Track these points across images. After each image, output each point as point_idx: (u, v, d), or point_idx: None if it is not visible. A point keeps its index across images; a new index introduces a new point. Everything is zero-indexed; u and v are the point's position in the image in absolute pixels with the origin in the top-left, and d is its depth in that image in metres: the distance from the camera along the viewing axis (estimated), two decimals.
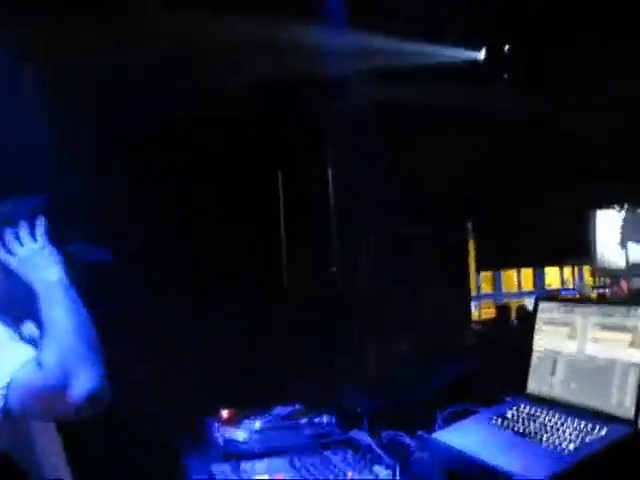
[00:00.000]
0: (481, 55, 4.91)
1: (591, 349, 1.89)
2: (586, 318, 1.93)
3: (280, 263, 5.11)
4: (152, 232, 4.08)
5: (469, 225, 9.60)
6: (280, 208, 5.21)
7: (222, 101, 4.45)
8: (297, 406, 2.80)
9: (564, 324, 2.00)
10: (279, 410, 2.75)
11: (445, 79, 5.04)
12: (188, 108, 4.37)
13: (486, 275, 14.91)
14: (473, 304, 12.18)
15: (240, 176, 4.77)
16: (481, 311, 13.16)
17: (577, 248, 11.56)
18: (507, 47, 4.78)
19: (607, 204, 10.63)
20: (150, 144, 4.39)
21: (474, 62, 4.94)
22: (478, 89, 5.31)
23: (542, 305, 2.12)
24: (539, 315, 2.12)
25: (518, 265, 14.20)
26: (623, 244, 11.03)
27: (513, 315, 11.00)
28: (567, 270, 15.90)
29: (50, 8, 3.93)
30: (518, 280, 15.92)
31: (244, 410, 2.76)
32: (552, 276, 15.95)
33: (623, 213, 10.66)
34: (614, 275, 12.65)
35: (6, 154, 3.39)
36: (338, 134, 5.13)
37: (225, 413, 2.76)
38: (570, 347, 1.96)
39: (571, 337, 1.97)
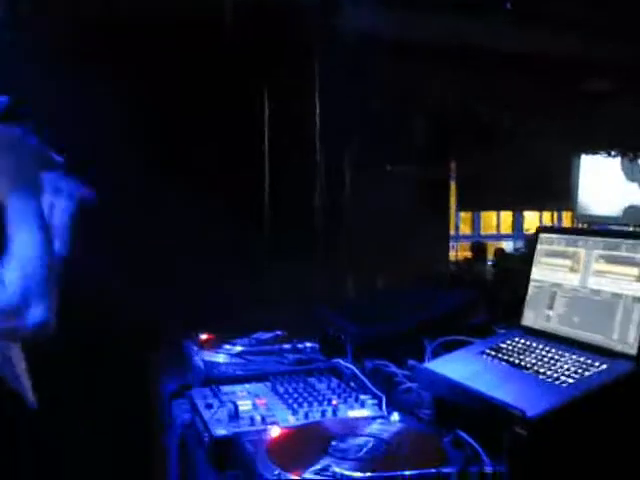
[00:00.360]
0: None
1: (594, 282, 1.81)
2: (590, 250, 1.85)
3: (263, 191, 4.99)
4: (137, 154, 3.92)
5: (452, 165, 9.51)
6: (265, 130, 5.06)
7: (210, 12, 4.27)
8: (279, 332, 2.74)
9: (566, 256, 1.92)
10: (260, 335, 2.69)
11: (441, 8, 4.88)
12: (174, 20, 4.19)
13: (465, 216, 14.92)
14: (451, 244, 12.18)
15: (226, 93, 4.60)
16: (458, 252, 13.15)
17: (559, 193, 11.51)
18: None
19: (597, 148, 10.52)
20: (132, 58, 4.20)
21: None
22: (476, 19, 5.15)
23: (542, 235, 2.03)
24: (538, 246, 2.03)
25: (497, 207, 14.19)
26: (609, 191, 11.01)
27: (490, 256, 11.05)
28: (546, 215, 15.93)
29: None
30: (497, 222, 15.97)
31: (224, 334, 2.69)
32: (531, 220, 15.98)
33: (612, 159, 10.59)
34: (595, 222, 12.69)
35: None
36: (327, 58, 4.97)
37: (204, 336, 2.68)
38: (571, 280, 1.88)
39: (573, 270, 1.88)
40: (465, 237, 14.35)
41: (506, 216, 15.80)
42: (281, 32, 4.69)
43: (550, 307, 1.93)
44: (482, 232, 15.30)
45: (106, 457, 2.47)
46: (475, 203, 11.43)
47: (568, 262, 1.90)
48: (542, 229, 2.02)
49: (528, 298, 2.01)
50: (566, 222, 14.56)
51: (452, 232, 13.22)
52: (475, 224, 15.16)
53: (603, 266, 1.80)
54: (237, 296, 3.72)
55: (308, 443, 1.55)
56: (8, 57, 3.36)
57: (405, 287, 3.74)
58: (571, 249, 1.90)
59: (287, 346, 2.55)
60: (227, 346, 2.56)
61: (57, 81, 3.48)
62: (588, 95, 7.46)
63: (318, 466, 1.40)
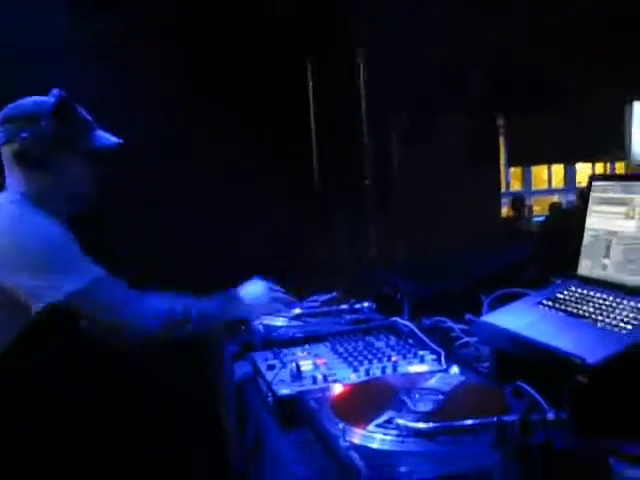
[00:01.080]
0: None
1: None
2: None
3: (311, 164, 5.01)
4: (182, 128, 3.99)
5: (500, 119, 9.38)
6: (310, 102, 5.07)
7: None
8: (335, 294, 2.77)
9: (621, 203, 1.90)
10: (317, 297, 2.72)
11: None
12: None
13: (515, 171, 14.72)
14: (502, 201, 12.05)
15: (269, 66, 4.62)
16: (509, 209, 13.00)
17: (611, 143, 11.26)
18: None
19: None
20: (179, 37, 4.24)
21: None
22: None
23: (596, 184, 2.01)
24: (593, 195, 2.01)
25: (547, 161, 13.95)
26: None
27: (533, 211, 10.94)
28: (599, 166, 15.62)
29: None
30: (548, 177, 15.73)
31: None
32: (583, 173, 15.69)
33: None
34: None
35: None
36: (373, 19, 4.94)
37: None
38: (627, 227, 1.87)
39: (629, 216, 1.87)
40: (516, 193, 14.16)
41: (558, 170, 15.55)
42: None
43: (606, 255, 1.92)
44: (533, 187, 15.10)
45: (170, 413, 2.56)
46: (525, 158, 11.31)
47: (623, 209, 1.89)
48: (595, 177, 2.00)
49: (583, 247, 2.00)
50: (625, 170, 14.26)
51: (503, 189, 13.09)
52: (526, 179, 14.96)
53: None
54: (293, 260, 3.77)
55: (370, 398, 1.59)
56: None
57: (458, 245, 3.73)
58: (626, 196, 1.89)
59: (344, 306, 2.58)
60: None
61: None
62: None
63: (382, 419, 1.43)
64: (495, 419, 1.31)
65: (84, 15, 3.85)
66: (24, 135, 2.00)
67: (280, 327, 2.41)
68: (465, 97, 6.23)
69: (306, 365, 1.94)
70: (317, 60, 5.00)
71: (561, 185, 15.46)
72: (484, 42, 5.66)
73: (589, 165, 15.61)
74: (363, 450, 1.35)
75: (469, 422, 1.35)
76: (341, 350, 2.11)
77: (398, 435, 1.37)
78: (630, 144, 11.10)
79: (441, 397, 1.54)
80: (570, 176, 15.44)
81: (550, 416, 1.33)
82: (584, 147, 10.62)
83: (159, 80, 3.83)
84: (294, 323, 2.47)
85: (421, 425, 1.37)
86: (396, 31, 4.77)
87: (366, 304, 2.56)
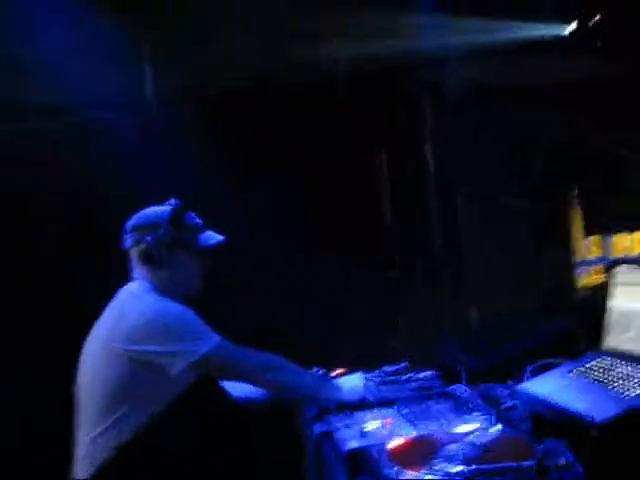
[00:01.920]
0: (572, 27, 5.07)
1: None
2: None
3: (385, 236, 5.44)
4: (264, 216, 4.48)
5: (575, 191, 9.60)
6: (383, 185, 5.52)
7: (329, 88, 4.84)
8: (403, 364, 3.14)
9: (638, 285, 2.25)
10: (387, 367, 3.10)
11: (537, 53, 5.22)
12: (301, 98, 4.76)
13: (595, 239, 14.74)
14: (582, 269, 12.12)
15: (347, 152, 5.12)
16: (590, 277, 12.98)
17: None
18: (597, 17, 4.92)
19: None
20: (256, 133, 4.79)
21: (565, 35, 5.10)
22: (572, 59, 5.44)
23: (619, 269, 2.37)
24: (618, 277, 2.37)
25: (629, 228, 13.97)
26: None
27: None
28: None
29: None
30: (631, 244, 15.66)
31: (355, 368, 3.13)
32: None
33: None
34: None
35: None
36: (436, 112, 5.41)
37: (338, 370, 3.13)
38: None
39: None
40: (597, 261, 14.12)
41: (639, 236, 15.48)
42: (391, 93, 5.16)
43: (628, 330, 2.26)
44: (615, 254, 15.06)
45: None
46: (600, 227, 11.43)
47: None
48: (618, 261, 2.36)
49: (610, 323, 2.35)
50: None
51: (582, 257, 13.11)
52: (605, 247, 14.93)
53: None
54: (369, 331, 4.17)
55: (423, 448, 1.96)
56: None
57: (515, 317, 4.05)
58: None
59: (410, 375, 2.95)
60: None
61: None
62: None
63: (430, 464, 1.81)
64: (514, 464, 1.68)
65: None
66: (148, 239, 2.50)
67: None
68: (533, 177, 6.58)
69: (374, 424, 2.32)
70: (390, 153, 5.45)
71: None
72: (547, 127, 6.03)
73: None
74: None
75: (497, 465, 1.72)
76: (405, 412, 2.48)
77: (440, 477, 1.74)
78: None
79: (480, 449, 1.90)
80: None
81: (561, 461, 1.68)
82: None
83: (250, 177, 4.35)
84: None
85: (458, 469, 1.74)
86: (454, 127, 5.21)
87: (429, 372, 2.92)
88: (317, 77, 4.87)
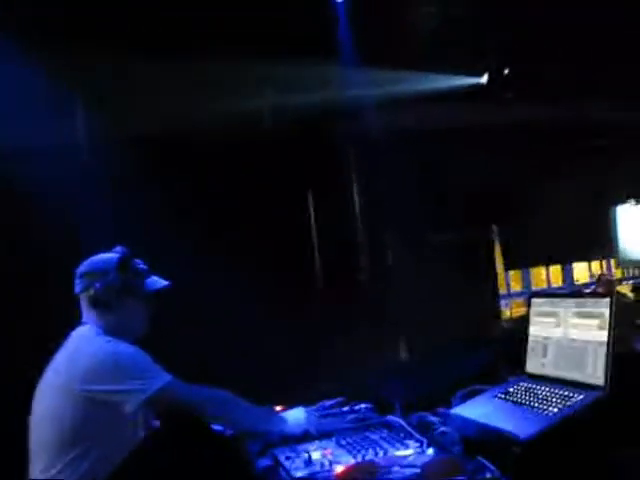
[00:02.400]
0: (484, 79, 5.46)
1: (572, 333, 2.37)
2: (567, 309, 2.41)
3: (314, 270, 5.64)
4: (199, 252, 4.61)
5: (494, 228, 10.00)
6: (311, 222, 5.73)
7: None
8: (339, 398, 3.30)
9: (551, 315, 2.48)
10: (324, 402, 3.26)
11: (453, 101, 5.57)
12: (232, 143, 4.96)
13: (515, 274, 15.27)
14: (504, 302, 12.55)
15: (276, 194, 5.32)
16: (512, 309, 13.47)
17: (602, 243, 11.88)
18: (507, 70, 5.31)
19: (624, 199, 10.99)
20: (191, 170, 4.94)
21: (478, 85, 5.47)
22: (485, 107, 5.82)
23: (534, 300, 2.60)
24: (532, 309, 2.60)
25: (545, 263, 14.54)
26: None
27: None
28: (595, 264, 16.15)
29: None
30: (547, 277, 16.26)
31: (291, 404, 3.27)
32: (580, 271, 16.23)
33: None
34: (637, 266, 13.07)
35: None
36: (361, 156, 5.69)
37: (278, 407, 3.26)
38: (556, 333, 2.44)
39: (557, 325, 2.45)
40: (517, 294, 14.62)
41: (555, 270, 16.09)
42: (318, 138, 5.40)
43: (544, 355, 2.48)
44: (533, 287, 15.60)
45: None
46: (520, 262, 11.88)
47: (553, 319, 2.46)
48: (533, 295, 2.59)
49: (528, 350, 2.57)
50: (615, 268, 14.83)
51: (503, 291, 13.61)
52: (525, 280, 15.48)
53: (576, 320, 2.36)
54: (300, 369, 4.33)
55: (365, 472, 2.11)
56: None
57: (442, 349, 4.26)
58: (554, 309, 2.47)
59: (346, 408, 3.11)
60: None
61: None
62: (602, 151, 8.05)
63: None
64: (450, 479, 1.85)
65: None
66: (97, 285, 2.61)
67: None
68: (452, 214, 6.91)
69: (316, 455, 2.46)
70: (318, 195, 5.67)
71: (559, 284, 15.93)
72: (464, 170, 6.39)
73: (587, 263, 16.17)
74: None
75: None
76: (344, 443, 2.63)
77: None
78: (617, 244, 11.76)
79: (417, 470, 2.07)
80: (567, 275, 15.97)
81: (488, 475, 1.86)
82: (576, 249, 11.21)
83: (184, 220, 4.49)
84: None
85: None
86: (377, 168, 5.49)
87: (364, 405, 3.09)
88: (246, 125, 5.08)
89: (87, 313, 2.68)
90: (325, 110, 5.24)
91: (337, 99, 5.22)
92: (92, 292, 2.62)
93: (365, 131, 5.61)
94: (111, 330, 2.63)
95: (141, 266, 2.76)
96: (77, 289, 2.68)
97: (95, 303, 2.63)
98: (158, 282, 2.77)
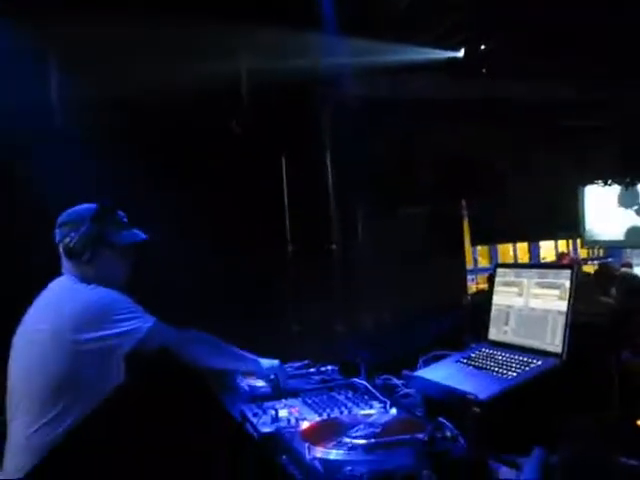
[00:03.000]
0: (461, 53, 5.53)
1: (533, 303, 2.47)
2: (529, 279, 2.51)
3: (285, 237, 5.71)
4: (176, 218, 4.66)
5: (463, 203, 10.12)
6: (284, 188, 5.79)
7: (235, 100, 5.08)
8: (306, 361, 3.39)
9: (514, 284, 2.57)
10: (292, 364, 3.34)
11: (429, 74, 5.64)
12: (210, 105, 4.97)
13: (483, 249, 15.47)
14: (470, 277, 12.75)
15: (250, 158, 5.35)
16: (479, 284, 13.68)
17: (569, 223, 12.07)
18: (483, 46, 5.38)
19: (593, 180, 11.18)
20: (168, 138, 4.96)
21: (455, 59, 5.54)
22: (461, 81, 5.89)
23: (499, 270, 2.69)
24: (497, 278, 2.69)
25: (508, 240, 14.75)
26: (610, 217, 11.61)
27: None
28: (562, 243, 16.42)
29: None
30: (514, 253, 16.48)
31: None
32: (547, 249, 16.49)
33: (609, 188, 11.25)
34: (602, 246, 13.34)
35: None
36: (336, 124, 5.74)
37: None
38: (518, 302, 2.54)
39: (519, 294, 2.54)
40: (483, 269, 14.83)
41: (522, 247, 16.32)
42: (293, 104, 5.43)
43: (506, 323, 2.57)
44: (500, 263, 15.81)
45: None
46: (488, 237, 12.05)
47: (516, 289, 2.56)
48: (499, 265, 2.67)
49: (492, 318, 2.66)
50: (580, 247, 15.10)
51: (470, 266, 13.79)
52: (493, 256, 15.68)
53: (538, 290, 2.45)
54: (271, 332, 4.40)
55: (330, 429, 2.19)
56: None
57: (409, 316, 4.37)
58: (517, 279, 2.56)
59: (313, 370, 3.20)
60: None
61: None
62: (581, 131, 8.18)
63: (336, 441, 2.05)
64: (409, 436, 1.94)
65: None
66: (72, 235, 2.63)
67: (262, 387, 3.02)
68: (423, 187, 7.01)
69: (283, 412, 2.54)
70: (290, 153, 5.72)
71: (526, 261, 16.14)
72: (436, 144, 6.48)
73: (553, 242, 16.43)
74: (322, 460, 1.96)
75: (393, 439, 1.97)
76: (310, 402, 2.71)
77: (346, 450, 1.98)
78: (584, 224, 11.97)
79: (379, 427, 2.15)
80: (534, 252, 16.20)
81: (447, 433, 1.95)
82: (544, 227, 11.39)
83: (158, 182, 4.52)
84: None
85: (361, 442, 1.98)
86: (352, 137, 5.54)
87: (330, 367, 3.18)
88: (223, 89, 5.09)
89: (65, 263, 2.70)
90: (302, 77, 5.27)
91: (315, 66, 5.25)
92: (67, 242, 2.64)
93: (341, 99, 5.66)
94: (87, 281, 2.64)
95: (121, 218, 2.77)
96: (56, 239, 2.70)
97: (70, 253, 2.65)
98: (136, 235, 2.78)
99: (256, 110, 5.40)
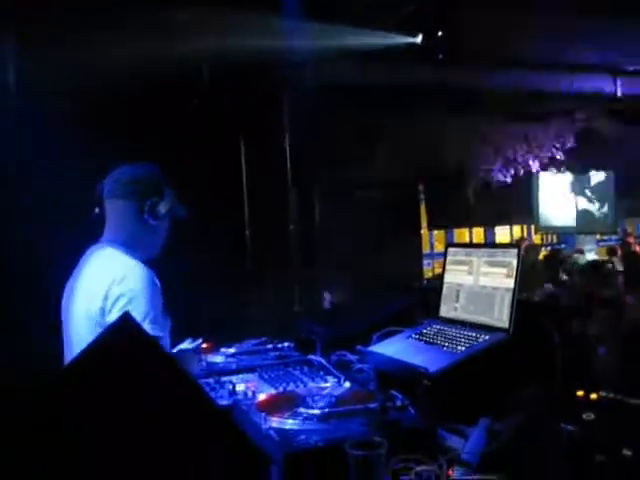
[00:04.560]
0: (418, 39, 5.62)
1: (482, 280, 2.57)
2: (479, 258, 2.60)
3: (243, 218, 5.76)
4: None
5: (420, 187, 10.28)
6: (242, 167, 5.83)
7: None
8: (263, 338, 3.45)
9: (464, 263, 2.67)
10: (249, 341, 3.41)
11: (385, 59, 5.72)
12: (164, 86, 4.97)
13: (439, 234, 15.68)
14: (427, 262, 12.95)
15: (208, 142, 5.37)
16: (435, 268, 13.87)
17: (523, 209, 12.30)
18: (440, 33, 5.47)
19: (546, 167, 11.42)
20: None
21: (413, 45, 5.63)
22: (419, 67, 5.99)
23: (450, 249, 2.79)
24: (448, 257, 2.78)
25: (469, 225, 15.00)
26: (566, 202, 11.89)
27: None
28: (516, 228, 16.71)
29: None
30: (470, 239, 16.73)
31: (220, 342, 3.41)
32: (502, 234, 16.76)
33: (563, 175, 11.52)
34: (554, 232, 13.65)
35: None
36: (295, 106, 5.79)
37: (205, 344, 3.40)
38: (468, 280, 2.63)
39: (469, 272, 2.64)
40: (440, 254, 14.95)
41: (478, 232, 16.57)
42: (252, 85, 5.47)
43: (456, 300, 2.67)
44: None
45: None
46: (443, 222, 12.25)
47: (466, 267, 2.65)
48: (450, 245, 2.77)
49: (443, 296, 2.76)
50: (535, 233, 15.39)
51: (427, 250, 13.99)
52: (449, 241, 15.89)
53: (487, 269, 2.55)
54: (229, 311, 4.46)
55: (286, 401, 2.27)
56: None
57: (363, 296, 4.46)
58: (467, 258, 2.66)
59: (270, 346, 3.27)
60: (223, 349, 3.27)
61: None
62: (532, 119, 8.36)
63: (291, 411, 2.12)
64: (361, 406, 2.02)
65: None
66: (155, 197, 2.59)
67: (219, 362, 3.08)
68: (380, 172, 7.12)
69: (240, 387, 2.61)
70: (248, 135, 5.76)
71: None
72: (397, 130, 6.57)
73: (508, 227, 16.70)
74: (278, 430, 2.03)
75: (346, 408, 2.05)
76: (266, 377, 2.78)
77: (301, 420, 2.06)
78: (537, 210, 12.23)
79: (333, 399, 2.23)
80: (490, 238, 16.46)
81: (398, 403, 2.04)
82: (495, 213, 11.63)
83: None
84: (230, 360, 3.14)
85: (316, 412, 2.06)
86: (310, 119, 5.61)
87: (286, 344, 3.25)
88: (182, 70, 5.11)
89: (124, 221, 2.63)
90: (263, 59, 5.31)
91: (276, 48, 5.30)
92: (149, 204, 2.58)
93: (301, 82, 5.71)
94: (138, 247, 2.61)
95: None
96: (118, 192, 2.62)
97: (147, 215, 2.58)
98: (182, 207, 2.78)
99: (215, 91, 5.43)
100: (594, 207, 11.57)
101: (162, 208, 2.59)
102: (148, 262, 2.62)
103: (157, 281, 2.56)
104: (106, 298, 2.43)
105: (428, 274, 11.90)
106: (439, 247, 15.75)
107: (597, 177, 11.30)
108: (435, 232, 15.15)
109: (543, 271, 9.04)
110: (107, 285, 2.44)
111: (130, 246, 2.61)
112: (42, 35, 4.59)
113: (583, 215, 11.74)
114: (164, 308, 2.57)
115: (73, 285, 2.63)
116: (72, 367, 1.54)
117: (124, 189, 2.60)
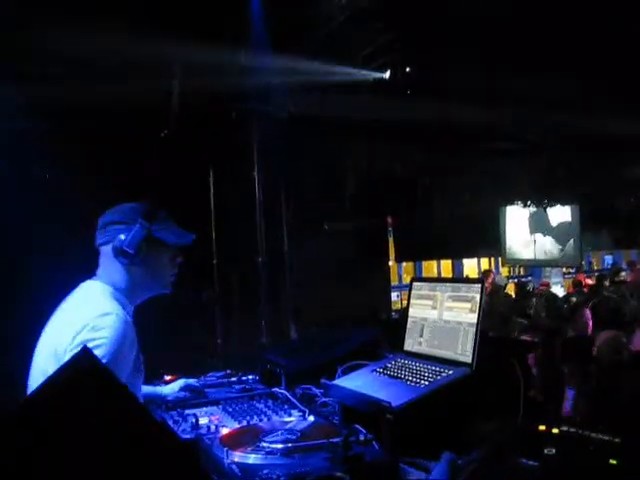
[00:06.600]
0: (386, 75, 5.69)
1: (446, 315, 2.59)
2: (443, 293, 2.62)
3: (211, 248, 5.75)
4: None
5: (389, 220, 10.34)
6: (211, 201, 5.83)
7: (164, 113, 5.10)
8: (228, 370, 3.43)
9: (429, 297, 2.69)
10: (213, 373, 3.38)
11: (355, 93, 5.79)
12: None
13: (407, 266, 15.79)
14: (395, 294, 12.98)
15: (177, 172, 5.37)
16: (403, 300, 13.88)
17: (491, 242, 12.40)
18: (408, 69, 5.55)
19: (512, 201, 11.54)
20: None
21: (381, 80, 5.70)
22: (387, 101, 6.05)
23: (415, 284, 2.80)
24: (413, 292, 2.80)
25: (437, 257, 15.11)
26: (529, 237, 12.02)
27: None
28: (484, 261, 16.86)
29: None
30: (438, 271, 16.86)
31: (183, 375, 3.38)
32: (470, 267, 16.91)
33: (528, 209, 11.64)
34: (520, 265, 13.79)
35: None
36: (264, 140, 5.83)
37: (168, 377, 3.37)
38: (433, 314, 2.65)
39: (433, 307, 2.65)
40: (408, 286, 14.99)
41: (446, 264, 16.71)
42: (222, 117, 5.49)
43: (421, 335, 2.68)
44: None
45: None
46: (411, 254, 12.31)
47: (430, 302, 2.67)
48: (414, 279, 2.79)
49: (407, 330, 2.77)
50: (502, 266, 15.53)
51: (395, 282, 14.04)
52: (417, 273, 15.99)
53: (451, 303, 2.57)
54: (195, 345, 4.44)
55: (249, 435, 2.25)
56: None
57: (329, 328, 4.46)
58: (432, 292, 2.67)
59: (234, 379, 3.25)
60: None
61: None
62: (500, 154, 8.47)
63: (254, 446, 2.11)
64: (325, 441, 2.01)
65: None
66: (124, 234, 2.54)
67: (179, 392, 3.06)
68: (348, 204, 7.16)
69: (203, 420, 2.59)
70: (217, 165, 5.77)
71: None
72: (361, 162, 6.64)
73: (475, 259, 16.83)
74: (240, 465, 2.01)
75: (310, 443, 2.05)
76: (230, 410, 2.76)
77: (264, 454, 2.05)
78: (504, 243, 12.35)
79: (297, 433, 2.22)
80: (458, 270, 16.61)
81: (362, 437, 2.04)
82: (463, 245, 11.71)
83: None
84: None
85: (278, 446, 2.05)
86: (279, 153, 5.64)
87: (251, 377, 3.23)
88: (151, 101, 5.12)
89: (107, 266, 2.63)
90: (232, 92, 5.34)
91: (245, 83, 5.34)
92: (118, 242, 2.55)
93: (269, 115, 5.76)
94: (128, 287, 2.61)
95: (167, 217, 2.71)
96: (100, 240, 2.63)
97: (122, 254, 2.55)
98: (187, 235, 2.72)
99: (185, 123, 5.44)
100: (555, 245, 11.68)
101: (130, 244, 2.55)
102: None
103: (132, 334, 2.52)
104: (73, 341, 2.40)
105: (397, 305, 11.94)
106: (407, 279, 15.85)
107: (561, 212, 11.39)
108: (404, 264, 15.25)
109: (512, 306, 9.13)
110: (79, 328, 2.41)
111: (120, 289, 2.61)
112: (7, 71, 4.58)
113: (543, 250, 11.87)
114: (137, 360, 2.54)
115: (53, 316, 2.62)
116: (28, 401, 1.52)
117: (100, 235, 2.63)
